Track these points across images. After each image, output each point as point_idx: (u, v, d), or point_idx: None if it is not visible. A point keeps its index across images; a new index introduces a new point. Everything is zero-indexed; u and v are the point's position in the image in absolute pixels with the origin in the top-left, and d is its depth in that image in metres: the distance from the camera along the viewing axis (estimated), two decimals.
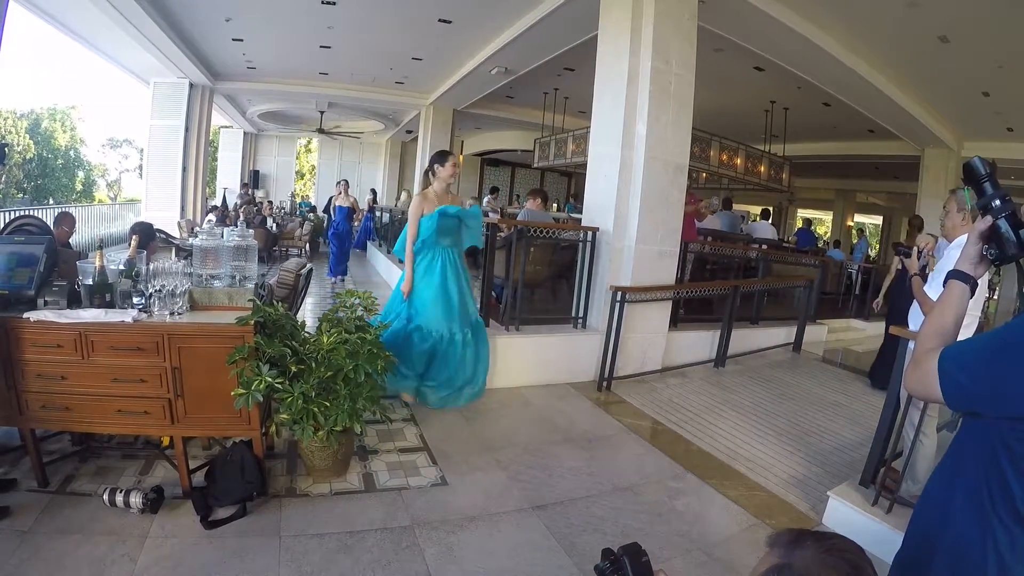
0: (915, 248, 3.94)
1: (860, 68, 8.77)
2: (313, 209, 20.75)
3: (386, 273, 11.88)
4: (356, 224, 14.41)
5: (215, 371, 3.10)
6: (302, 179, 33.07)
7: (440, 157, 5.02)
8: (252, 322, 3.12)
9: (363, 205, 16.66)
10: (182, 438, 3.25)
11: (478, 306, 5.34)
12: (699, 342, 7.04)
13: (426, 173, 5.11)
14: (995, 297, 7.97)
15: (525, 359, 5.77)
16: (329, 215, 13.58)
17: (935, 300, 3.54)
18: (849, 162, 16.69)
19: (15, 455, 3.47)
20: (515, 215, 9.14)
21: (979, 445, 1.25)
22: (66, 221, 6.17)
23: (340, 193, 12.05)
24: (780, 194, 16.46)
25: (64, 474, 3.39)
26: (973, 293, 1.39)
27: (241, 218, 13.13)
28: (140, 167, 26.12)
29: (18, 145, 31.04)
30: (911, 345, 3.28)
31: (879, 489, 3.46)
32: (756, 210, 16.54)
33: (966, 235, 1.52)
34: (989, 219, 1.33)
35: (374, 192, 18.99)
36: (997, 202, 1.32)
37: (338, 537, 3.03)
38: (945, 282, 1.42)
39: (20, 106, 32.84)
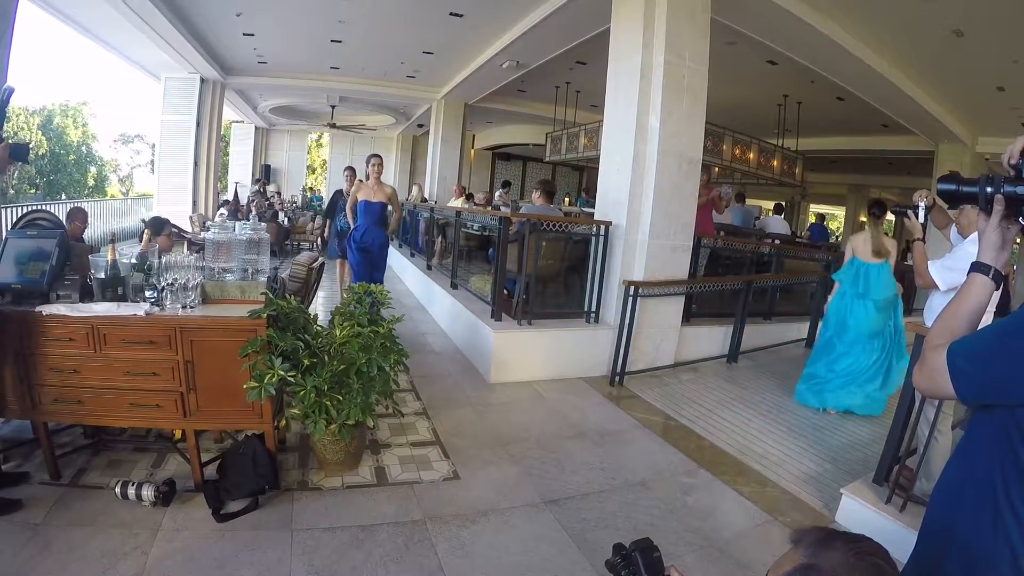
0: (919, 204, 3.43)
1: (874, 62, 8.67)
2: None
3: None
4: (392, 230, 7.72)
5: (227, 364, 3.10)
6: (313, 173, 33.17)
7: None
8: (265, 315, 3.11)
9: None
10: (194, 431, 3.26)
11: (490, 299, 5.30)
12: (712, 337, 7.00)
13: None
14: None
15: (537, 353, 5.77)
16: (333, 217, 9.29)
17: (935, 279, 3.54)
18: (862, 157, 16.55)
19: (28, 448, 3.49)
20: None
21: (991, 436, 1.22)
22: (79, 216, 6.21)
23: (367, 180, 6.96)
24: (793, 189, 16.36)
25: (76, 467, 3.41)
26: (999, 285, 1.35)
27: (253, 212, 13.15)
28: (152, 162, 26.31)
29: (30, 141, 31.24)
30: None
31: (893, 487, 3.42)
32: (769, 205, 16.44)
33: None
34: (1000, 200, 1.28)
35: None
36: (988, 188, 1.29)
37: (350, 531, 3.03)
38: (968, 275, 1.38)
39: (32, 103, 32.96)
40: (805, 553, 1.07)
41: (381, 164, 6.91)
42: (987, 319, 3.73)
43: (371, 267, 6.86)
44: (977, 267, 1.35)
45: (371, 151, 7.23)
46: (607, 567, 1.35)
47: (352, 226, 7.02)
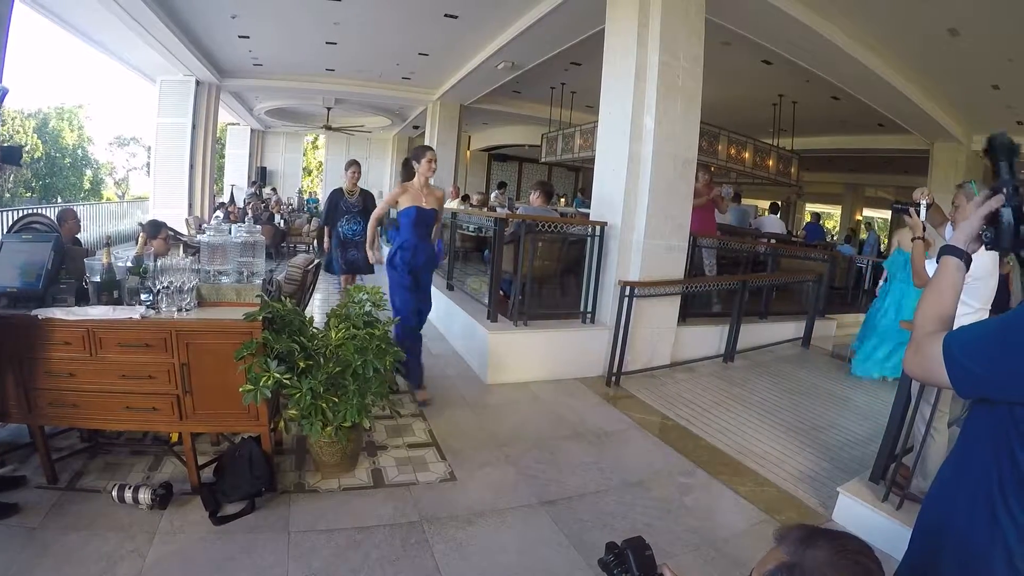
0: (920, 203, 3.45)
1: (869, 61, 8.67)
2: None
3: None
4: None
5: (223, 367, 3.10)
6: (309, 175, 33.14)
7: None
8: (260, 318, 3.11)
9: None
10: (191, 434, 3.26)
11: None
12: (708, 337, 7.00)
13: None
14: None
15: (534, 354, 5.77)
16: (333, 224, 7.27)
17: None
18: (858, 156, 16.56)
19: (24, 452, 3.48)
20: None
21: (989, 434, 1.23)
22: (69, 217, 6.20)
23: (413, 181, 4.94)
24: (789, 188, 16.39)
25: (73, 471, 3.41)
26: (968, 268, 1.37)
27: (249, 214, 13.11)
28: (147, 165, 26.26)
29: (26, 144, 31.14)
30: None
31: (889, 485, 3.43)
32: (764, 204, 16.45)
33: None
34: (994, 203, 1.30)
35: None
36: (1008, 189, 1.29)
37: (347, 533, 3.03)
38: (939, 259, 1.40)
39: (27, 106, 32.86)
40: (788, 551, 1.06)
41: (433, 159, 4.95)
42: (984, 318, 3.75)
43: (419, 297, 5.15)
44: (951, 250, 1.37)
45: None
46: (600, 565, 1.36)
47: (386, 240, 5.04)
